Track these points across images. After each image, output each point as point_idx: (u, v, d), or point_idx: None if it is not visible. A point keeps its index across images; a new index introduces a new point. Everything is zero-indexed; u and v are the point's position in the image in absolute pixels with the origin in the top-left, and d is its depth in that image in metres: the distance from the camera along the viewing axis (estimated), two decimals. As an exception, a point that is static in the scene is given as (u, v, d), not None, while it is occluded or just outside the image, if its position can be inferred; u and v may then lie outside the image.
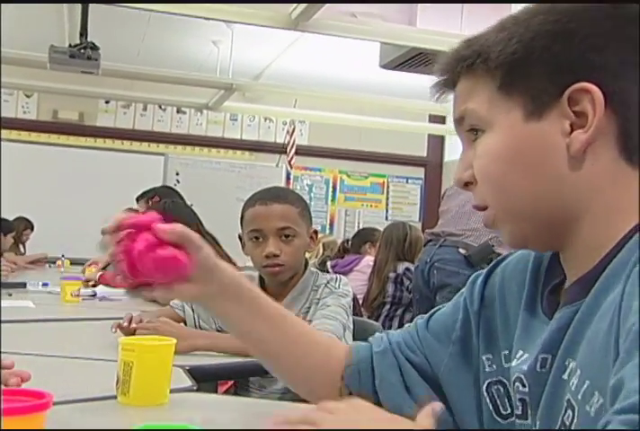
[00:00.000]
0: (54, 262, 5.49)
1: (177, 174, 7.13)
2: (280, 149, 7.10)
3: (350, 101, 6.20)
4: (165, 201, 3.04)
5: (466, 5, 4.32)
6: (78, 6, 4.72)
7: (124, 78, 5.57)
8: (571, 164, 0.72)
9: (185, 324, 1.93)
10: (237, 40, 5.47)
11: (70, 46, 4.72)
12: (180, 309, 1.95)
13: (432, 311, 0.98)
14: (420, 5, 4.26)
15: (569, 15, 0.74)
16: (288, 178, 7.26)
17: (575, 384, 0.68)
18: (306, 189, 7.55)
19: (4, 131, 6.65)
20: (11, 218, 5.65)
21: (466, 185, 0.80)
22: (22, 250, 5.91)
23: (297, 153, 6.90)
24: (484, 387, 0.86)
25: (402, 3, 4.23)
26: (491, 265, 0.93)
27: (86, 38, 4.71)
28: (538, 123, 0.73)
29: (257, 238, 1.79)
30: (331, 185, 7.67)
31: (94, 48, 4.59)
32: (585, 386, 0.66)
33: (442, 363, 0.91)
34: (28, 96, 6.79)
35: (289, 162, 6.86)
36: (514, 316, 0.84)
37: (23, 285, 3.08)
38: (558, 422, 0.70)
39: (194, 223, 2.95)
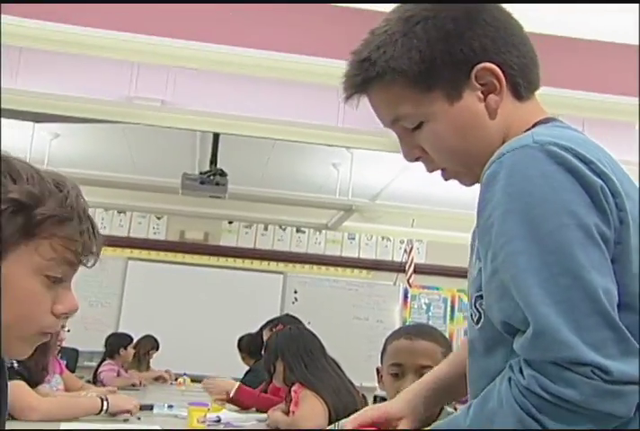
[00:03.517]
0: (175, 379, 5.58)
1: (295, 292, 7.23)
2: (397, 268, 7.10)
3: (466, 220, 6.18)
4: (290, 327, 3.09)
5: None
6: (210, 136, 5.05)
7: (249, 201, 5.82)
8: (491, 117, 0.99)
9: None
10: (356, 163, 5.64)
11: (200, 173, 5.03)
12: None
13: None
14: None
15: (445, 18, 0.97)
16: (405, 296, 7.20)
17: None
18: (424, 307, 7.45)
19: (134, 250, 7.04)
20: (138, 334, 5.82)
21: (417, 159, 1.05)
22: (145, 367, 6.03)
23: (414, 271, 6.87)
24: None
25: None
26: None
27: (216, 165, 5.01)
28: (459, 102, 0.98)
29: (396, 374, 1.71)
30: (449, 304, 7.54)
31: (223, 174, 4.87)
32: None
33: None
34: (158, 218, 7.20)
35: (408, 280, 6.82)
36: None
37: (150, 407, 3.14)
38: None
39: (317, 348, 2.95)
